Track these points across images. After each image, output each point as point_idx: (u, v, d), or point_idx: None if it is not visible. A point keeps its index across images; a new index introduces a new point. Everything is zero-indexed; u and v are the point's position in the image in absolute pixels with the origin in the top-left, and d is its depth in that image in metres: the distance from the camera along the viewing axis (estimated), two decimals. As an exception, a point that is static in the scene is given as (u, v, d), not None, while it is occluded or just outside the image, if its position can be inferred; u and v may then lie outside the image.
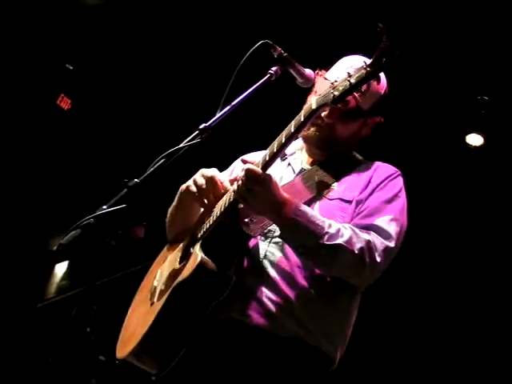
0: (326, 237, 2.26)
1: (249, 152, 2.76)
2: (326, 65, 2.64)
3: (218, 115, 2.30)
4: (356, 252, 2.27)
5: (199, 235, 2.43)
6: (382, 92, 2.57)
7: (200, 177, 2.50)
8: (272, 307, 2.33)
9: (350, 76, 2.17)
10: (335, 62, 2.66)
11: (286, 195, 2.31)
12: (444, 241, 6.49)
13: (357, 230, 2.33)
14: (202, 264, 2.27)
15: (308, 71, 2.55)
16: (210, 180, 2.46)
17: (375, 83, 2.32)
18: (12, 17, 6.23)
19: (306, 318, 2.34)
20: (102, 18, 6.30)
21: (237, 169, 2.73)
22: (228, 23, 5.90)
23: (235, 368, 2.31)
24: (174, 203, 2.69)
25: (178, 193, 2.64)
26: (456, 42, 5.41)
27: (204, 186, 2.46)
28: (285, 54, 2.50)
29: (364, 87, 2.17)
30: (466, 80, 5.66)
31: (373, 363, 6.51)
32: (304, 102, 2.55)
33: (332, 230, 2.28)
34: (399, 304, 6.58)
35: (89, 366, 4.42)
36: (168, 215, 2.75)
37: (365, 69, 2.14)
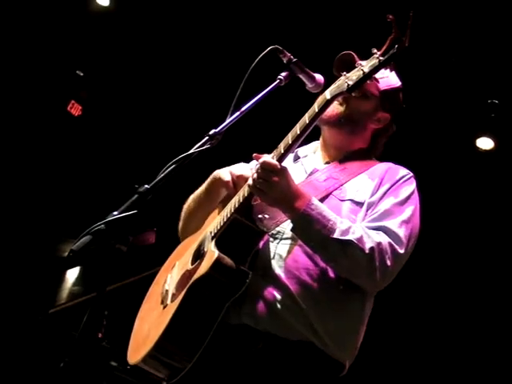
0: (337, 231, 2.27)
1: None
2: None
3: (227, 121, 2.30)
4: (367, 251, 2.26)
5: (212, 233, 2.43)
6: (397, 85, 2.60)
7: (238, 168, 2.54)
8: (281, 310, 2.32)
9: (362, 66, 2.22)
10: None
11: (300, 189, 2.33)
12: (454, 245, 6.47)
13: (368, 231, 2.33)
14: (218, 260, 2.27)
15: (318, 76, 2.55)
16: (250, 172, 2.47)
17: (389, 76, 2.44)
18: (23, 24, 6.26)
19: (316, 322, 2.32)
20: (112, 24, 6.33)
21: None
22: (238, 29, 5.91)
23: (246, 374, 2.30)
24: (203, 187, 2.67)
25: (210, 177, 2.63)
26: (466, 46, 5.40)
27: (241, 176, 2.49)
28: (294, 60, 2.51)
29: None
30: (476, 83, 5.65)
31: (383, 369, 6.49)
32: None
33: (343, 227, 2.29)
34: (411, 308, 6.56)
35: (100, 371, 4.42)
36: (190, 203, 2.73)
37: (377, 58, 2.18)
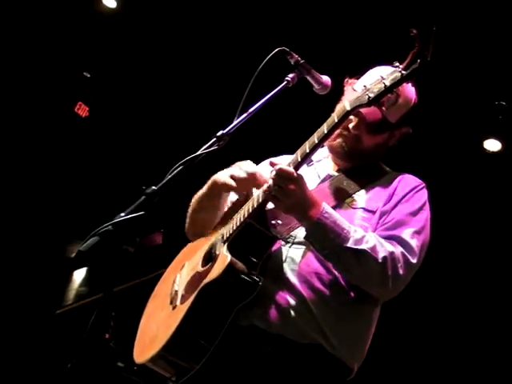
0: (351, 241, 2.27)
1: (264, 159, 2.75)
2: (346, 72, 2.64)
3: (235, 122, 2.31)
4: (380, 260, 2.27)
5: (225, 237, 2.43)
6: (411, 104, 2.57)
7: (239, 170, 2.50)
8: (292, 313, 2.32)
9: (383, 78, 2.22)
10: (361, 70, 2.65)
11: (314, 197, 2.32)
12: (462, 247, 6.45)
13: (381, 240, 2.33)
14: (231, 265, 2.27)
15: (325, 78, 2.55)
16: (252, 175, 2.46)
17: (403, 97, 2.43)
18: (30, 26, 6.29)
19: (325, 326, 2.33)
20: (118, 26, 6.35)
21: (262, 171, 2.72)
22: (246, 31, 5.91)
23: (255, 375, 2.31)
24: (204, 191, 2.65)
25: (210, 182, 2.61)
26: (474, 48, 5.39)
27: (244, 180, 2.47)
28: (301, 61, 2.51)
29: (397, 92, 2.25)
30: (484, 85, 5.64)
31: (390, 373, 6.48)
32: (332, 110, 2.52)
33: (357, 236, 2.29)
34: (421, 314, 6.54)
35: (107, 372, 4.43)
36: (194, 203, 2.72)
37: (399, 72, 2.19)
